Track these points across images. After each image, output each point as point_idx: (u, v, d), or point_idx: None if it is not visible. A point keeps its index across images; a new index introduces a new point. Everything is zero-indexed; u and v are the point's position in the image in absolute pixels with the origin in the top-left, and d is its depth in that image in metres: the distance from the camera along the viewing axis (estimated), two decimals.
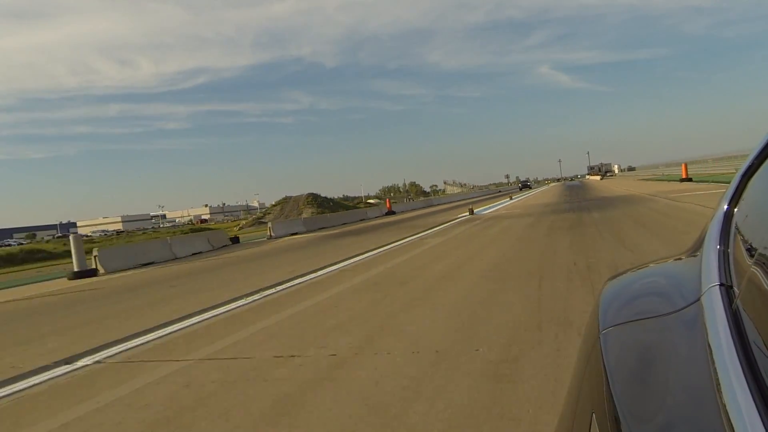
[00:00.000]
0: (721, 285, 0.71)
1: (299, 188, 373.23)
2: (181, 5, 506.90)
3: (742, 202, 0.93)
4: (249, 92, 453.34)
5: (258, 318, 6.17)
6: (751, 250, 0.70)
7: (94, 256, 15.08)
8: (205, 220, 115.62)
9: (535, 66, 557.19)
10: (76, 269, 14.38)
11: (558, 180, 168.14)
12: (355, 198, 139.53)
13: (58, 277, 15.58)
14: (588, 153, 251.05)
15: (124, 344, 5.63)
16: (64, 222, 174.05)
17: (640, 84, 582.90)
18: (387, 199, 54.34)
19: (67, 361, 5.11)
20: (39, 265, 26.40)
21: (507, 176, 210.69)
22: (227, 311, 6.83)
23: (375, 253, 11.89)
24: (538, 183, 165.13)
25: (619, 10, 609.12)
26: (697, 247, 0.96)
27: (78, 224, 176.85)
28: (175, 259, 17.55)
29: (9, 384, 4.58)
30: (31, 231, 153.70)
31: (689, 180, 29.63)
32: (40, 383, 4.47)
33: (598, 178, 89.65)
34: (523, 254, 8.72)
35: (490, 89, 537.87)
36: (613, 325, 0.82)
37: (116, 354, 5.28)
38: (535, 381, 3.15)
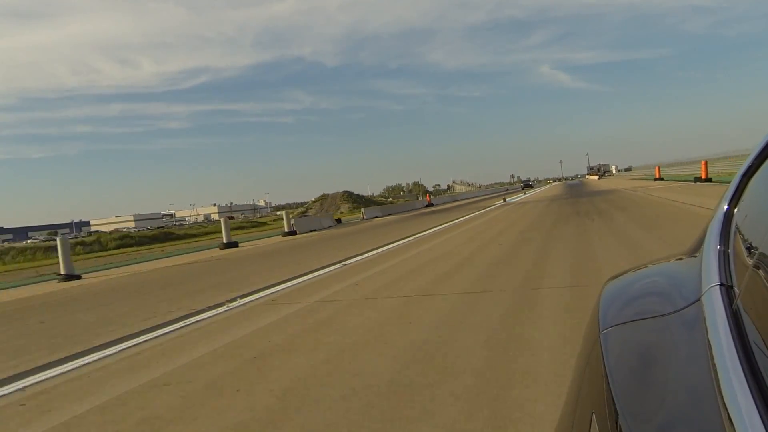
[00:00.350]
0: (721, 285, 0.71)
1: (301, 188, 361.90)
2: (182, 5, 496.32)
3: (742, 202, 0.94)
4: (250, 92, 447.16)
5: (451, 231, 15.18)
6: (751, 250, 0.70)
7: (292, 223, 24.75)
8: (233, 217, 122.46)
9: (536, 66, 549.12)
10: (286, 230, 23.89)
11: (559, 180, 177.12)
12: (362, 197, 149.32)
13: (275, 236, 24.94)
14: (587, 154, 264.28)
15: (395, 242, 13.92)
16: (76, 221, 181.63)
17: (641, 84, 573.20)
18: (427, 195, 66.17)
19: (369, 251, 12.45)
20: (188, 241, 37.67)
21: (512, 176, 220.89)
22: (433, 231, 15.79)
23: (466, 218, 20.92)
24: (540, 183, 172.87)
25: (620, 10, 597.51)
26: (697, 247, 0.97)
27: (91, 222, 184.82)
28: (323, 228, 26.58)
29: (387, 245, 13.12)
30: (45, 230, 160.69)
31: (661, 179, 39.86)
32: (376, 251, 11.63)
33: (595, 177, 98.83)
34: (549, 212, 18.38)
35: (491, 89, 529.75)
36: (613, 325, 0.84)
37: (391, 246, 12.94)
38: (565, 226, 12.36)
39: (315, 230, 25.41)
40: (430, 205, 46.93)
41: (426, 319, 4.86)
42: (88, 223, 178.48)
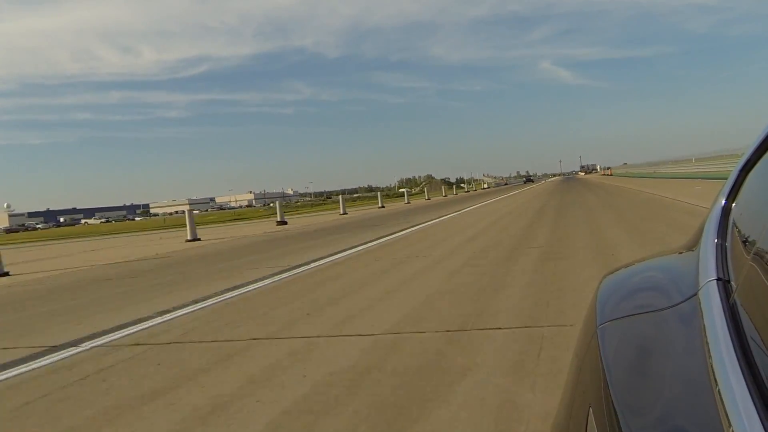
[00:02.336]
0: (718, 279, 0.67)
1: (305, 177, 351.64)
2: None
3: (740, 197, 0.89)
4: (250, 82, 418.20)
5: (544, 185, 53.23)
6: (748, 245, 0.67)
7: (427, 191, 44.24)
8: (330, 196, 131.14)
9: (537, 61, 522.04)
10: (426, 198, 39.62)
11: (558, 175, 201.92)
12: (376, 188, 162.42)
13: (423, 199, 41.06)
14: (580, 157, 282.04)
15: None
16: (132, 204, 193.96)
17: (642, 81, 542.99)
18: (504, 179, 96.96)
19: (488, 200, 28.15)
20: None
21: (519, 172, 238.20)
22: (539, 184, 62.11)
23: (539, 184, 67.13)
24: (539, 177, 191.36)
25: (623, 7, 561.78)
26: (694, 241, 0.92)
27: (150, 206, 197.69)
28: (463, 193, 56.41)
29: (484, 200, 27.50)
30: (106, 211, 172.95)
31: (605, 175, 65.35)
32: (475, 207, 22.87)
33: (583, 174, 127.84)
34: (559, 187, 36.77)
35: (492, 84, 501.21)
36: (610, 319, 0.80)
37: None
38: (565, 185, 42.46)
39: (445, 195, 47.13)
40: (506, 184, 79.68)
41: (550, 190, 32.25)
42: (147, 206, 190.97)
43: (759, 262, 0.59)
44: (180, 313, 4.91)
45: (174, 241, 16.54)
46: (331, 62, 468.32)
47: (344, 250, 8.89)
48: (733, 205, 0.90)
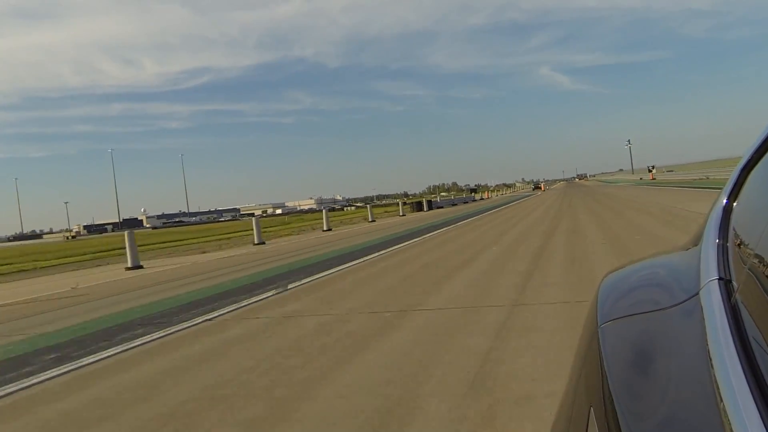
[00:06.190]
0: (719, 279, 0.62)
1: (312, 183, 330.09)
2: (187, 5, 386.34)
3: (741, 196, 0.82)
4: (251, 92, 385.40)
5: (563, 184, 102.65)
6: (750, 245, 0.61)
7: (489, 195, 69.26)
8: (423, 197, 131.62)
9: (536, 68, 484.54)
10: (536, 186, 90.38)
11: (562, 181, 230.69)
12: (412, 194, 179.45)
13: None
14: (576, 168, 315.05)
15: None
16: (228, 208, 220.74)
17: (640, 86, 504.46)
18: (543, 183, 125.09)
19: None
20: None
21: (539, 179, 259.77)
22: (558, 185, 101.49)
23: (553, 186, 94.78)
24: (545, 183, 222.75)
25: (620, 13, 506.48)
26: (696, 240, 0.85)
27: (240, 209, 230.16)
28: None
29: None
30: (199, 215, 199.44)
31: (587, 180, 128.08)
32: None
33: (578, 180, 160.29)
34: (568, 186, 75.68)
35: (491, 91, 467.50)
36: (611, 319, 0.74)
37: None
38: (569, 186, 70.69)
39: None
40: (537, 188, 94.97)
41: (564, 186, 73.68)
42: (238, 209, 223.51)
43: (760, 262, 0.54)
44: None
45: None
46: (331, 72, 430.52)
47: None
48: (735, 204, 0.82)
